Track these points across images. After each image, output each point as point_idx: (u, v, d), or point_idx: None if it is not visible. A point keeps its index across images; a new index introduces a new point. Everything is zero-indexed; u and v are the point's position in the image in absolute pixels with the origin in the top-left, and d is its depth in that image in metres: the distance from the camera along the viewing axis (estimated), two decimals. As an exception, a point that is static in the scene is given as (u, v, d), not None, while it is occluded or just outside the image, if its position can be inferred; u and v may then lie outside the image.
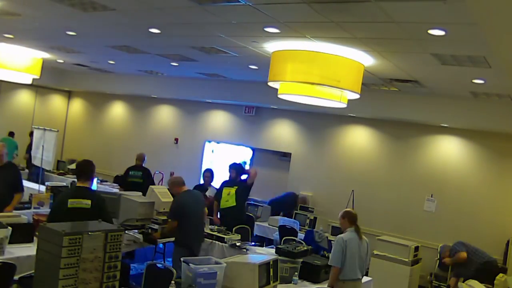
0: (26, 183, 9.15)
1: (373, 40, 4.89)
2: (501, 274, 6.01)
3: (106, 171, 11.57)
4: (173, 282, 4.34)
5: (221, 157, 11.37)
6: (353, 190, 8.95)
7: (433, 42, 4.57)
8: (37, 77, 9.21)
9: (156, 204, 7.01)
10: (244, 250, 6.12)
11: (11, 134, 11.72)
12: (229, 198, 7.30)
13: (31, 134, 10.57)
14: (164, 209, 7.11)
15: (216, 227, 6.68)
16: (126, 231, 6.00)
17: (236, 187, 7.31)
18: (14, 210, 5.91)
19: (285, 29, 4.88)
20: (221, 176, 11.30)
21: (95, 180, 9.41)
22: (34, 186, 8.64)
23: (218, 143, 11.30)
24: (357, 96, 5.74)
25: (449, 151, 8.43)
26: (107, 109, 13.20)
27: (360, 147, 9.27)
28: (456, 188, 8.23)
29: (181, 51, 7.15)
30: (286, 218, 8.64)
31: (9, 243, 4.47)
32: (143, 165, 8.42)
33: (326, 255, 6.08)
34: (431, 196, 8.39)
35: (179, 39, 6.28)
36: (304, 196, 9.66)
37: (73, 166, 10.00)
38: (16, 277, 3.90)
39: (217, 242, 6.55)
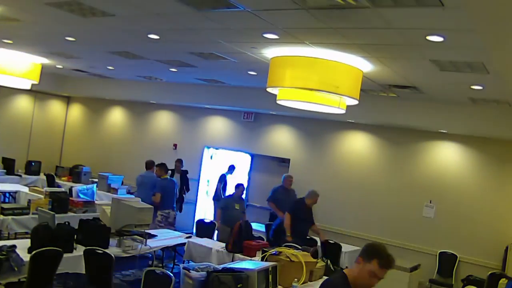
0: (25, 189, 9.21)
1: (372, 46, 4.90)
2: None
3: (104, 176, 11.53)
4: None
5: (219, 163, 11.36)
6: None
7: (431, 48, 4.58)
8: (36, 82, 9.20)
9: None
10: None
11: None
12: None
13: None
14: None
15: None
16: (125, 237, 5.98)
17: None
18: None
19: (284, 35, 4.89)
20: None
21: (94, 185, 9.39)
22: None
23: (217, 149, 11.29)
24: (355, 102, 5.74)
25: (448, 157, 8.43)
26: (106, 115, 13.20)
27: (358, 153, 9.27)
28: (455, 194, 8.22)
29: (180, 57, 7.16)
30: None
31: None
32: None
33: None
34: (430, 202, 8.38)
35: (178, 45, 6.29)
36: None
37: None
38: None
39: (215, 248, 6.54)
